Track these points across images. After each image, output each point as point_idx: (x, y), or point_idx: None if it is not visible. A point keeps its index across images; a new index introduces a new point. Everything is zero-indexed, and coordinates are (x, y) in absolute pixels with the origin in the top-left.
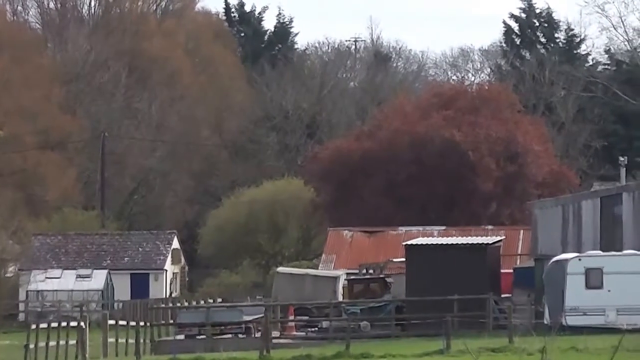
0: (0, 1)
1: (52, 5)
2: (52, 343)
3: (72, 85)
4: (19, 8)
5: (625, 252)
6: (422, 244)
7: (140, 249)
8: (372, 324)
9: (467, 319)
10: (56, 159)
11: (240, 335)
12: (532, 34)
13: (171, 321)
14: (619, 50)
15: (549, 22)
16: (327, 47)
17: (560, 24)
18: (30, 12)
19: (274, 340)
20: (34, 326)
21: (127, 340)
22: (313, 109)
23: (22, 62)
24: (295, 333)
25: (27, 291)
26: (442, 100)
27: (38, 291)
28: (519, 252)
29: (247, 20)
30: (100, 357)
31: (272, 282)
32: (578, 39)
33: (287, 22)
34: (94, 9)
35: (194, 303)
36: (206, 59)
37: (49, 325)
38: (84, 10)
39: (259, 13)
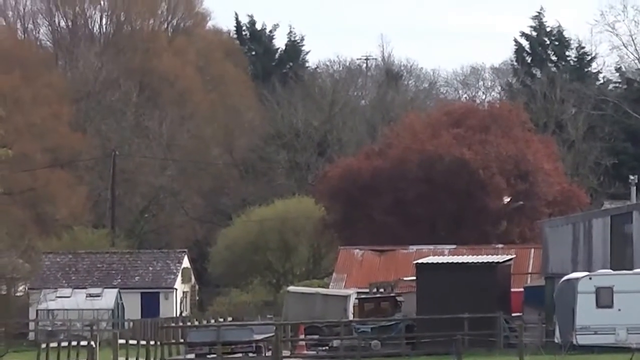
0: (11, 19)
1: (62, 23)
2: None
3: (82, 104)
4: (30, 26)
5: (635, 270)
6: (432, 263)
7: (150, 268)
8: (382, 343)
9: (477, 337)
10: (66, 178)
11: (250, 354)
12: (543, 52)
13: (181, 340)
14: (629, 68)
15: (560, 41)
16: (338, 65)
17: (571, 42)
18: (41, 30)
19: (285, 359)
20: (44, 345)
21: (137, 359)
22: (324, 127)
23: (32, 80)
24: (305, 352)
25: (37, 310)
26: (453, 118)
27: (48, 310)
28: (530, 270)
29: (258, 39)
30: None
31: (283, 301)
32: (589, 57)
33: (298, 41)
34: (105, 27)
35: (205, 322)
36: (217, 77)
37: (59, 344)
38: (94, 28)
39: (270, 31)
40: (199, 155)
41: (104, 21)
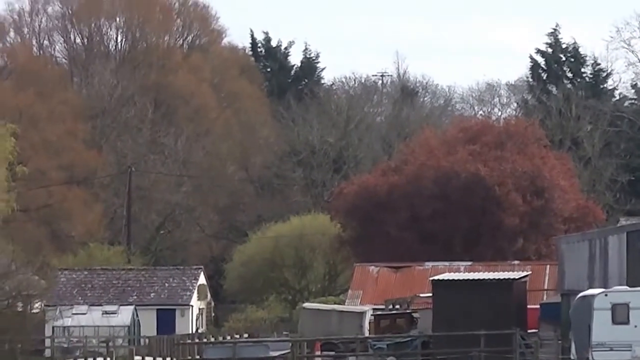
0: (26, 36)
1: (78, 40)
2: None
3: (97, 120)
4: (45, 42)
5: None
6: (448, 279)
7: (166, 285)
8: (398, 359)
9: (493, 354)
10: (82, 195)
11: None
12: (558, 68)
13: (197, 357)
14: None
15: (576, 57)
16: (353, 82)
17: (587, 58)
18: (56, 47)
19: None
20: None
21: None
22: (339, 144)
23: (47, 97)
24: None
25: (53, 327)
26: (468, 135)
27: (64, 327)
28: (546, 287)
29: (274, 55)
30: None
31: (298, 318)
32: (604, 74)
33: (314, 57)
34: (121, 44)
35: (220, 338)
36: (232, 93)
37: None
38: (110, 45)
39: (286, 48)
40: (214, 172)
41: (119, 38)
